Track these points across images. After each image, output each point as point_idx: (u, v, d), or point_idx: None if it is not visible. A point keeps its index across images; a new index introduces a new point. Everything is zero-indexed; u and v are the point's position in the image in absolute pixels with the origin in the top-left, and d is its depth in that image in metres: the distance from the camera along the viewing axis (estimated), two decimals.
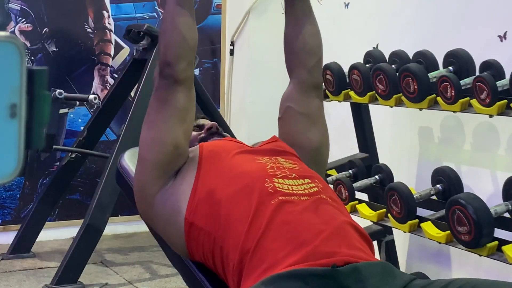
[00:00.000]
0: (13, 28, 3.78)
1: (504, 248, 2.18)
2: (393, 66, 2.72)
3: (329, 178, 2.84)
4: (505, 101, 2.27)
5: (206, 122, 1.97)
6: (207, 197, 1.63)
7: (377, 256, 3.05)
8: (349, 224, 1.59)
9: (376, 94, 2.69)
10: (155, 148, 1.70)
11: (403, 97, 2.58)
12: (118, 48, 4.04)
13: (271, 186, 1.60)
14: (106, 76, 4.01)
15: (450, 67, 2.60)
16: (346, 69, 2.86)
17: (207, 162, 1.70)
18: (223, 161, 1.70)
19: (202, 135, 1.90)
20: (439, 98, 2.46)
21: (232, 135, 3.20)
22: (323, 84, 2.98)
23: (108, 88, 3.93)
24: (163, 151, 1.69)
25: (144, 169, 1.73)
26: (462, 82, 2.43)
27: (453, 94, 2.40)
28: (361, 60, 2.92)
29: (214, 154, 1.72)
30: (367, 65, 2.83)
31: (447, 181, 2.59)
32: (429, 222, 2.44)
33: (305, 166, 1.76)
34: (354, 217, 2.16)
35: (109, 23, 4.01)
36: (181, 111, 1.70)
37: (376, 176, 2.84)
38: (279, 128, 1.92)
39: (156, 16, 4.12)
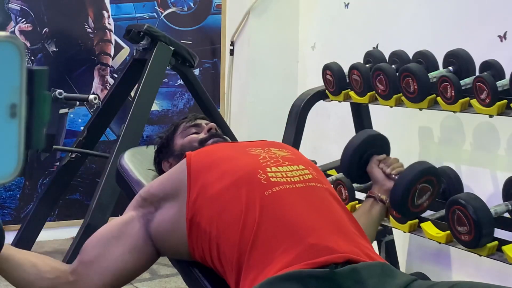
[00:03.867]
0: (13, 28, 3.78)
1: (504, 248, 2.18)
2: (393, 66, 2.72)
3: (329, 178, 2.83)
4: (505, 101, 2.27)
5: (204, 123, 1.96)
6: (201, 192, 1.61)
7: None
8: (345, 215, 1.59)
9: (376, 94, 2.69)
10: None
11: (403, 97, 2.57)
12: (118, 48, 4.04)
13: (264, 177, 1.58)
14: (106, 76, 4.01)
15: (450, 67, 2.59)
16: (346, 69, 2.86)
17: (197, 165, 1.66)
18: (214, 156, 1.68)
19: (203, 136, 1.89)
20: (439, 98, 2.46)
21: (232, 135, 3.20)
22: (324, 84, 2.99)
23: (108, 88, 3.93)
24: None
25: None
26: (462, 82, 2.43)
27: (453, 94, 2.39)
28: (361, 60, 2.92)
29: (203, 154, 1.70)
30: (367, 65, 2.83)
31: (447, 181, 2.58)
32: (429, 222, 2.43)
33: (299, 154, 1.75)
34: None
35: (109, 23, 4.01)
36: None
37: None
38: None
39: (156, 16, 4.13)
